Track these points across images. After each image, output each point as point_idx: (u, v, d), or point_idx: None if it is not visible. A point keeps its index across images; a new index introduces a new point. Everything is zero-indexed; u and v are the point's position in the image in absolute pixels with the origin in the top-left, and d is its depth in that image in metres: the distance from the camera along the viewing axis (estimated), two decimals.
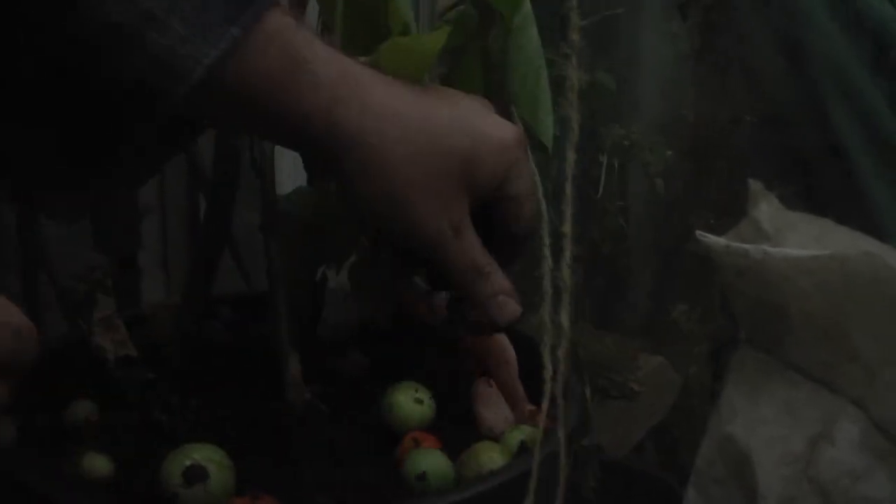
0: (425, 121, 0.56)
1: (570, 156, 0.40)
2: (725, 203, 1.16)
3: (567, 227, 0.42)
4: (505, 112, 0.63)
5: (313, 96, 0.53)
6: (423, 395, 0.63)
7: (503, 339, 0.66)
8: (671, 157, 1.18)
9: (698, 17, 1.18)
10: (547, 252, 0.46)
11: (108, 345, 0.67)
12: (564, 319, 0.44)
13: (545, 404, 0.48)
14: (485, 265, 0.58)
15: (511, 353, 0.67)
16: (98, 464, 0.57)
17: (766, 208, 0.89)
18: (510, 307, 0.58)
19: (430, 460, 0.57)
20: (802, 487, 0.79)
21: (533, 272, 0.58)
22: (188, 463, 0.53)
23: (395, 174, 0.55)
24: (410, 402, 0.62)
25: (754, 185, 0.94)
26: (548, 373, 0.46)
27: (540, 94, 0.67)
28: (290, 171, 1.08)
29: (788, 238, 0.87)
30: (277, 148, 1.08)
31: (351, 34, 0.62)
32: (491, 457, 0.58)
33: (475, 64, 0.66)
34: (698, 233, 0.86)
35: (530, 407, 0.64)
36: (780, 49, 1.16)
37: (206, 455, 0.54)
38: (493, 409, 0.63)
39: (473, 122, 0.58)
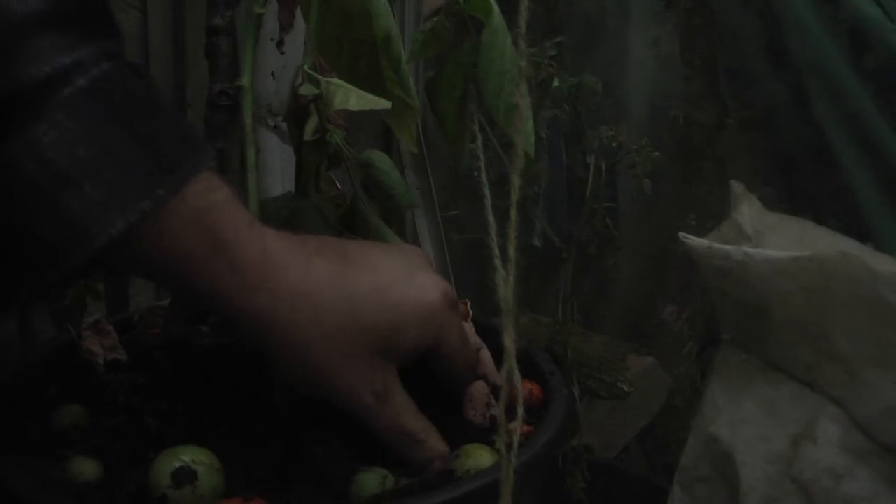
0: (341, 299, 0.55)
1: (515, 180, 0.40)
2: (710, 204, 1.16)
3: (511, 251, 0.43)
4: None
5: (228, 281, 0.53)
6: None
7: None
8: (658, 158, 1.19)
9: (682, 19, 1.19)
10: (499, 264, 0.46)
11: (98, 349, 0.68)
12: (507, 341, 0.44)
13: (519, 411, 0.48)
14: (418, 431, 0.58)
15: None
16: (87, 468, 0.57)
17: (748, 210, 0.90)
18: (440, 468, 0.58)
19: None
20: (785, 486, 0.80)
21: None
22: (177, 464, 0.53)
23: (309, 353, 0.55)
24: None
25: (736, 186, 0.94)
26: (515, 378, 0.46)
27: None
28: (279, 173, 1.09)
29: (769, 239, 0.87)
30: (266, 151, 1.09)
31: (331, 42, 0.63)
32: (481, 457, 0.58)
33: (455, 73, 0.67)
34: (681, 234, 0.86)
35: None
36: (765, 50, 1.17)
37: (195, 457, 0.54)
38: (482, 410, 0.64)
39: (396, 290, 0.57)
